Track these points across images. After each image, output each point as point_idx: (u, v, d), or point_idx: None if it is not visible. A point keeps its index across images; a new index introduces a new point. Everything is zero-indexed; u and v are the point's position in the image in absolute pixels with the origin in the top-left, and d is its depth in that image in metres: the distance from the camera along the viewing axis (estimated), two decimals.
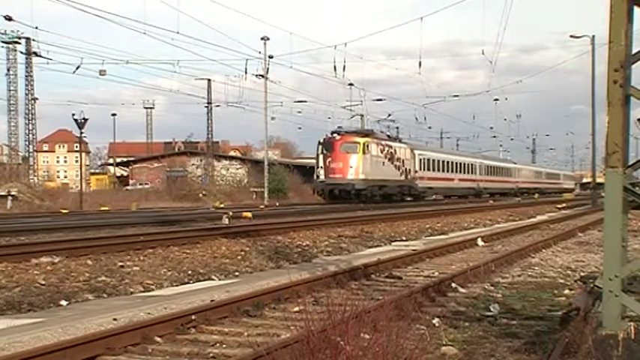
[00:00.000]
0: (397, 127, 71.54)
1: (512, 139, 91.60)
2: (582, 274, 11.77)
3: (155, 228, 18.67)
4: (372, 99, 60.75)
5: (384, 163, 43.05)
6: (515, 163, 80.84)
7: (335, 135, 42.17)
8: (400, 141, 49.23)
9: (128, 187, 69.88)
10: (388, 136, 47.17)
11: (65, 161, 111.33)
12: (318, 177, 41.31)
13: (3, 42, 45.72)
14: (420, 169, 49.62)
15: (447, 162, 56.68)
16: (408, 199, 46.52)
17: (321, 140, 42.60)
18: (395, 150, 45.31)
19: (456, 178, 58.15)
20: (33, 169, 59.68)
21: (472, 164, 63.36)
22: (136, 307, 8.63)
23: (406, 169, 46.72)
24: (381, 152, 42.88)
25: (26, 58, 44.14)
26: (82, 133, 43.68)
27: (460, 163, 60.24)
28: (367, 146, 41.15)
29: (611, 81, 5.46)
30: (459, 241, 17.61)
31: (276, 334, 7.09)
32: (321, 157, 41.41)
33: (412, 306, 8.11)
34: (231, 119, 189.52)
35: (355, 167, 40.35)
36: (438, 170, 54.03)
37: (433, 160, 53.55)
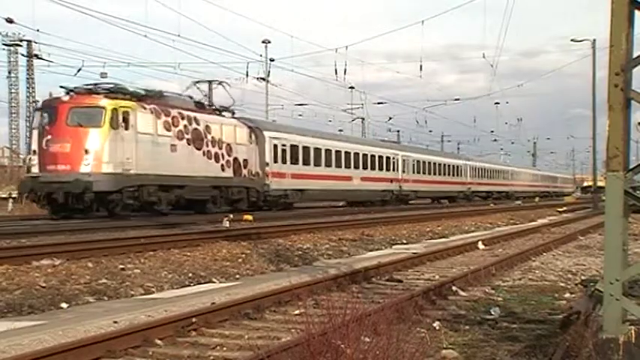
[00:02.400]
0: (398, 131, 71.71)
1: (513, 143, 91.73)
2: (583, 277, 11.76)
3: (156, 230, 18.66)
4: (373, 102, 60.85)
5: (176, 147, 26.00)
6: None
7: (63, 96, 24.64)
8: (233, 114, 31.86)
9: None
10: (199, 103, 29.45)
11: None
12: (29, 170, 24.48)
13: (4, 44, 45.83)
14: (277, 160, 33.09)
15: (340, 152, 39.46)
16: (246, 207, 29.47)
17: (39, 105, 26.95)
18: (209, 128, 28.31)
19: (357, 177, 41.42)
20: None
21: (392, 158, 46.99)
22: (136, 310, 8.63)
23: (241, 161, 30.16)
24: (169, 129, 25.81)
25: (27, 61, 44.23)
26: None
27: (367, 156, 43.16)
28: (125, 115, 24.08)
29: (612, 85, 5.46)
30: (460, 244, 17.60)
31: (276, 337, 7.08)
32: (35, 134, 24.40)
33: (413, 309, 8.11)
34: None
35: (94, 152, 23.30)
36: (317, 164, 36.75)
37: (305, 149, 35.66)
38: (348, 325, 4.85)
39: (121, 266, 12.03)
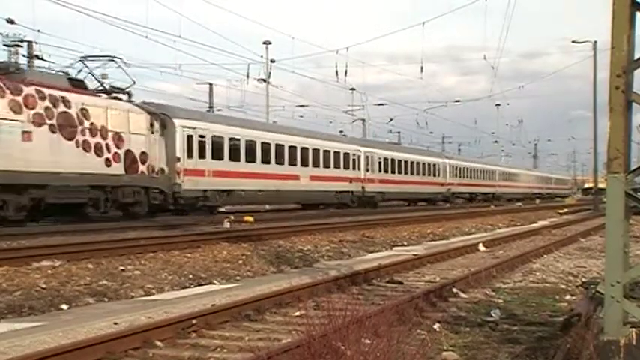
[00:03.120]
0: (399, 132, 71.63)
1: (513, 145, 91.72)
2: (584, 279, 11.75)
3: (156, 232, 18.67)
4: (374, 104, 60.77)
5: (31, 135, 20.37)
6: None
7: None
8: (130, 97, 26.26)
9: None
10: (76, 80, 23.78)
11: None
12: None
13: (5, 45, 45.76)
14: (192, 155, 27.64)
15: (282, 146, 34.15)
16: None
17: None
18: (87, 112, 22.50)
19: (305, 176, 36.07)
20: None
21: (352, 155, 41.74)
22: (136, 311, 8.63)
23: (137, 154, 24.60)
24: (19, 111, 20.10)
25: (28, 61, 44.07)
26: None
27: (319, 151, 37.81)
28: None
29: (613, 87, 5.46)
30: (461, 246, 17.60)
31: (277, 339, 7.08)
32: None
33: (413, 311, 8.10)
34: None
35: None
36: (251, 160, 31.49)
37: (233, 142, 30.33)
38: (349, 326, 4.85)
39: (122, 267, 12.04)
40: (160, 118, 26.13)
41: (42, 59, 38.44)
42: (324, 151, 38.22)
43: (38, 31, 34.01)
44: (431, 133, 74.19)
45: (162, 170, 25.89)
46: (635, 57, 5.59)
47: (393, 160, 46.89)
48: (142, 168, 24.88)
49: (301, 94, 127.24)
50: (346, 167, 40.61)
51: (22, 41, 44.66)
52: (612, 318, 5.42)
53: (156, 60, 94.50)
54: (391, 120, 66.69)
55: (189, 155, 27.41)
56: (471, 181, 62.62)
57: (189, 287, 11.15)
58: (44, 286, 10.21)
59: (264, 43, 45.68)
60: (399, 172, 47.82)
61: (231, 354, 6.58)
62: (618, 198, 5.44)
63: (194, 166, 27.54)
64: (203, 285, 11.34)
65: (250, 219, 24.20)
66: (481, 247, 17.65)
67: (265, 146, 32.61)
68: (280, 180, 33.34)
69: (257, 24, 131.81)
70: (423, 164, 52.59)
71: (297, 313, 8.21)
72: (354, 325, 4.89)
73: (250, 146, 31.44)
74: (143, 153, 24.95)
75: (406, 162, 49.20)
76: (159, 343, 6.85)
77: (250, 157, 31.40)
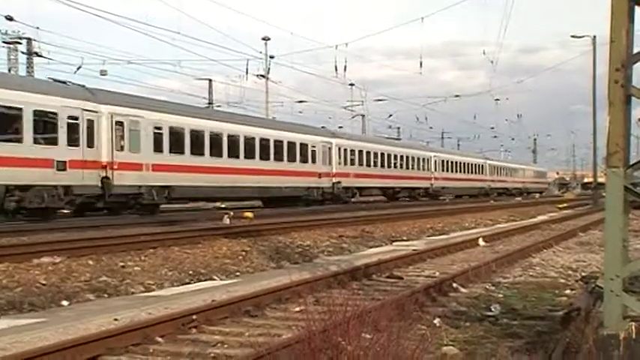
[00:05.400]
0: (398, 128, 71.65)
1: (513, 139, 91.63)
2: (583, 274, 11.76)
3: (156, 228, 18.67)
4: (373, 99, 60.76)
5: None
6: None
7: None
8: None
9: None
10: None
11: None
12: None
13: (4, 42, 45.70)
14: (124, 148, 24.57)
15: (236, 137, 30.90)
16: None
17: None
18: None
19: (264, 171, 32.25)
20: None
21: (323, 147, 38.04)
22: (137, 307, 8.64)
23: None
24: None
25: (27, 58, 44.07)
26: None
27: (282, 143, 34.36)
28: None
29: (612, 81, 5.45)
30: (460, 241, 17.61)
31: (277, 334, 7.09)
32: None
33: (413, 306, 8.11)
34: None
35: None
36: (198, 152, 28.50)
37: (174, 132, 27.32)
38: (349, 321, 4.85)
39: (122, 264, 12.04)
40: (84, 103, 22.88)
41: (41, 56, 38.48)
42: (289, 143, 34.80)
43: (37, 27, 33.95)
44: (430, 128, 74.29)
45: (85, 163, 22.62)
46: (635, 51, 5.59)
47: (369, 153, 43.12)
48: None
49: (300, 89, 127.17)
50: (314, 161, 37.02)
51: (21, 38, 44.63)
52: (612, 312, 5.42)
53: (155, 56, 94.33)
54: (390, 115, 66.79)
55: (120, 147, 24.34)
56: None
57: (189, 283, 11.16)
58: (44, 282, 10.22)
59: (263, 39, 45.63)
60: (377, 166, 44.04)
61: (231, 350, 6.58)
62: (617, 192, 5.44)
63: (127, 158, 24.36)
64: (203, 281, 11.35)
65: (250, 215, 24.20)
66: (481, 242, 17.67)
67: (215, 138, 29.49)
68: (235, 175, 30.13)
69: (256, 20, 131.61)
70: (406, 157, 48.78)
71: (298, 309, 8.22)
72: (355, 320, 4.89)
73: (197, 137, 28.38)
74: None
75: (387, 155, 45.59)
76: (159, 339, 6.86)
77: (198, 150, 28.35)
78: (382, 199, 47.18)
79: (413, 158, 49.95)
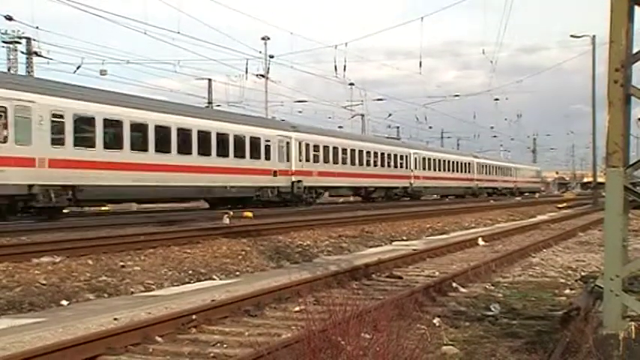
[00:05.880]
0: (398, 127, 71.64)
1: (512, 139, 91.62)
2: (583, 273, 11.77)
3: (156, 228, 18.67)
4: (373, 99, 60.80)
5: None
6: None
7: None
8: None
9: None
10: None
11: None
12: None
13: (3, 42, 45.71)
14: (8, 138, 20.44)
15: (166, 129, 27.02)
16: None
17: None
18: None
19: (204, 167, 28.80)
20: None
21: (280, 142, 34.29)
22: (136, 307, 8.64)
23: None
24: None
25: (27, 58, 44.09)
26: None
27: (227, 137, 30.51)
28: None
29: (612, 81, 5.46)
30: (460, 240, 17.61)
31: (277, 334, 7.09)
32: None
33: (413, 306, 8.11)
34: None
35: None
36: (115, 146, 24.53)
37: (80, 121, 23.18)
38: (349, 321, 4.85)
39: (121, 263, 12.04)
40: None
41: (41, 56, 38.48)
42: (236, 137, 30.66)
43: (37, 27, 33.94)
44: (430, 127, 74.25)
45: None
46: (634, 51, 5.60)
47: (337, 149, 39.19)
48: None
49: (300, 89, 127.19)
50: (268, 157, 32.99)
51: (20, 38, 44.63)
52: (611, 312, 5.43)
53: (155, 56, 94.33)
54: (390, 115, 66.80)
55: (4, 138, 20.40)
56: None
57: (189, 283, 11.16)
58: (44, 282, 10.22)
59: (262, 38, 45.62)
60: (347, 163, 40.30)
61: (231, 349, 6.58)
62: (617, 192, 5.45)
63: (11, 152, 20.39)
64: (203, 281, 11.35)
65: (249, 214, 24.20)
66: (480, 241, 17.67)
67: (138, 128, 25.63)
68: (166, 172, 26.37)
69: (256, 19, 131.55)
70: (381, 154, 44.85)
71: (297, 309, 8.23)
72: (354, 320, 4.89)
73: (113, 127, 24.37)
74: None
75: (358, 151, 41.75)
76: (159, 339, 6.87)
77: (114, 142, 24.40)
78: (356, 199, 44.72)
79: (389, 155, 46.15)
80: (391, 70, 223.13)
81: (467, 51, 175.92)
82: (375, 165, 44.16)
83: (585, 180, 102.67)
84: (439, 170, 54.22)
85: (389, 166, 46.05)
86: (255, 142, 32.08)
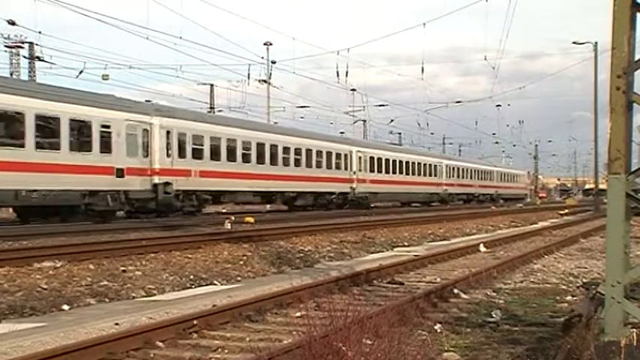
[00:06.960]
0: (399, 133, 71.51)
1: (514, 146, 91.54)
2: (584, 280, 11.75)
3: (157, 232, 18.68)
4: (375, 104, 60.81)
5: None
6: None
7: None
8: None
9: None
10: None
11: None
12: None
13: (6, 46, 45.80)
14: None
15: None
16: None
17: None
18: None
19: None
20: None
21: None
22: (137, 312, 8.63)
23: None
24: None
25: (29, 63, 44.16)
26: None
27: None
28: None
29: (614, 87, 5.46)
30: (461, 246, 17.59)
31: (278, 340, 7.08)
32: None
33: (414, 312, 8.10)
34: None
35: None
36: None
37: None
38: (350, 327, 4.85)
39: (123, 268, 12.04)
40: None
41: (43, 60, 38.52)
42: (40, 117, 21.75)
43: (39, 32, 33.95)
44: (432, 134, 74.12)
45: None
46: (636, 58, 5.60)
47: (235, 142, 31.12)
48: None
49: (302, 95, 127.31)
50: (106, 149, 24.31)
51: (23, 42, 44.70)
52: (613, 319, 5.42)
53: (157, 61, 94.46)
54: (392, 121, 66.80)
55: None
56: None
57: (190, 288, 11.16)
58: (45, 286, 10.22)
59: (264, 44, 45.72)
60: (251, 161, 32.17)
61: (232, 355, 6.58)
62: (619, 199, 5.44)
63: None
64: (204, 286, 11.35)
65: (251, 219, 24.20)
66: (482, 247, 17.65)
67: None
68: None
69: (258, 25, 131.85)
70: (306, 151, 36.97)
71: (298, 314, 8.22)
72: (355, 325, 4.89)
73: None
74: None
75: (270, 146, 33.76)
76: (160, 344, 6.86)
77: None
78: (261, 208, 36.05)
79: (319, 153, 37.82)
80: (393, 76, 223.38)
81: (469, 57, 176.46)
82: (298, 165, 35.97)
83: (587, 186, 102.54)
84: (393, 173, 46.02)
85: (319, 166, 37.88)
86: (78, 126, 23.18)
